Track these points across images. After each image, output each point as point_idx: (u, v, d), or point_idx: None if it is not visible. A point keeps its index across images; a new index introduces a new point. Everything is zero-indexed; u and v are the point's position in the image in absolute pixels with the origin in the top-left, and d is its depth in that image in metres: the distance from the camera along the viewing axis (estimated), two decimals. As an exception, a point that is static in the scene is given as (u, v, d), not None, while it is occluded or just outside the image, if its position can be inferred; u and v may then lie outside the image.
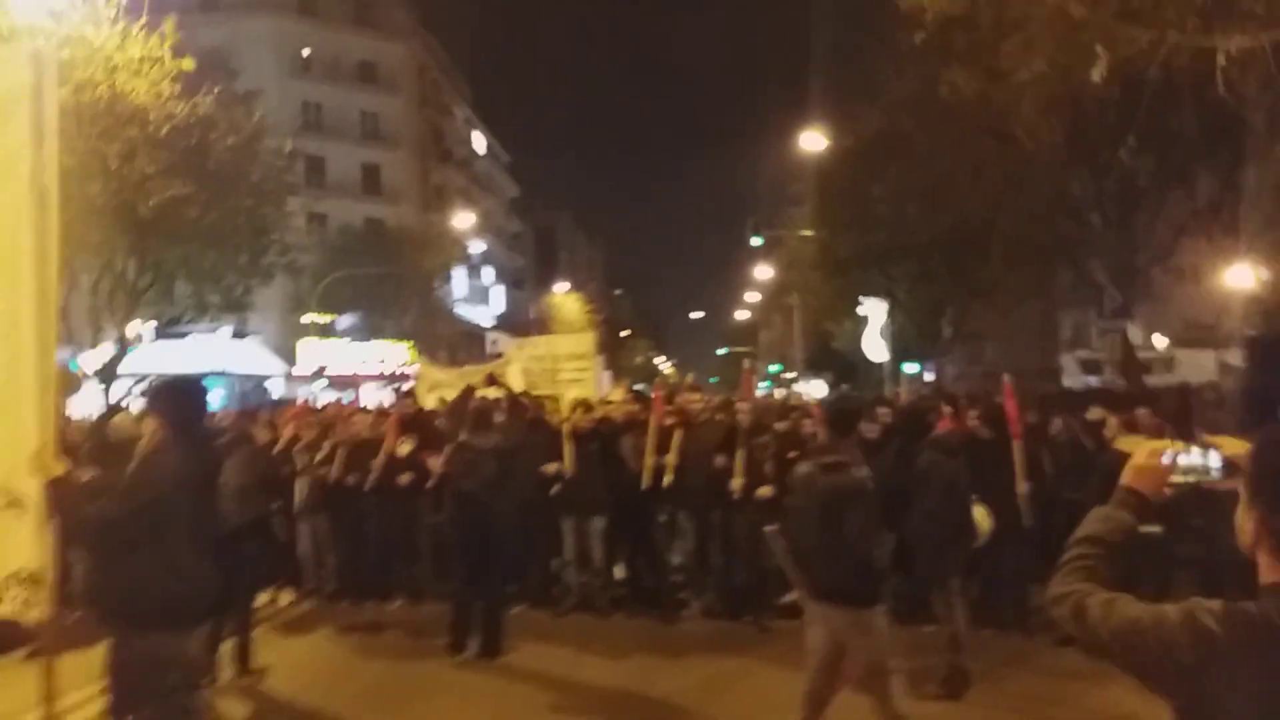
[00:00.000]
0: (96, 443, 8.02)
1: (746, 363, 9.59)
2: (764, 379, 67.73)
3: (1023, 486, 7.96)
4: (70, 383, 20.64)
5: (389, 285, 37.53)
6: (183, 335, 24.81)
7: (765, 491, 8.41)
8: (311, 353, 35.24)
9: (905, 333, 30.35)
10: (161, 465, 3.89)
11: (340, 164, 46.77)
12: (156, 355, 24.86)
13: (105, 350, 21.64)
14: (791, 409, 10.07)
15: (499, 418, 8.87)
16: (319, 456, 9.67)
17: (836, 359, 43.31)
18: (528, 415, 9.59)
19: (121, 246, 20.07)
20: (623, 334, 75.09)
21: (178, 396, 4.29)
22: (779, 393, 43.75)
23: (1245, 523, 1.76)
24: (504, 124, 69.81)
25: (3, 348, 3.50)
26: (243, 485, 7.40)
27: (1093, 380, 30.33)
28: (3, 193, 3.48)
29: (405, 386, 11.73)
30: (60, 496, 3.61)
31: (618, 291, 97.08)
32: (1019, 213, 16.07)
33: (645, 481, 8.75)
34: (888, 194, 19.54)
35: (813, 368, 50.39)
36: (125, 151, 17.99)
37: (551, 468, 8.93)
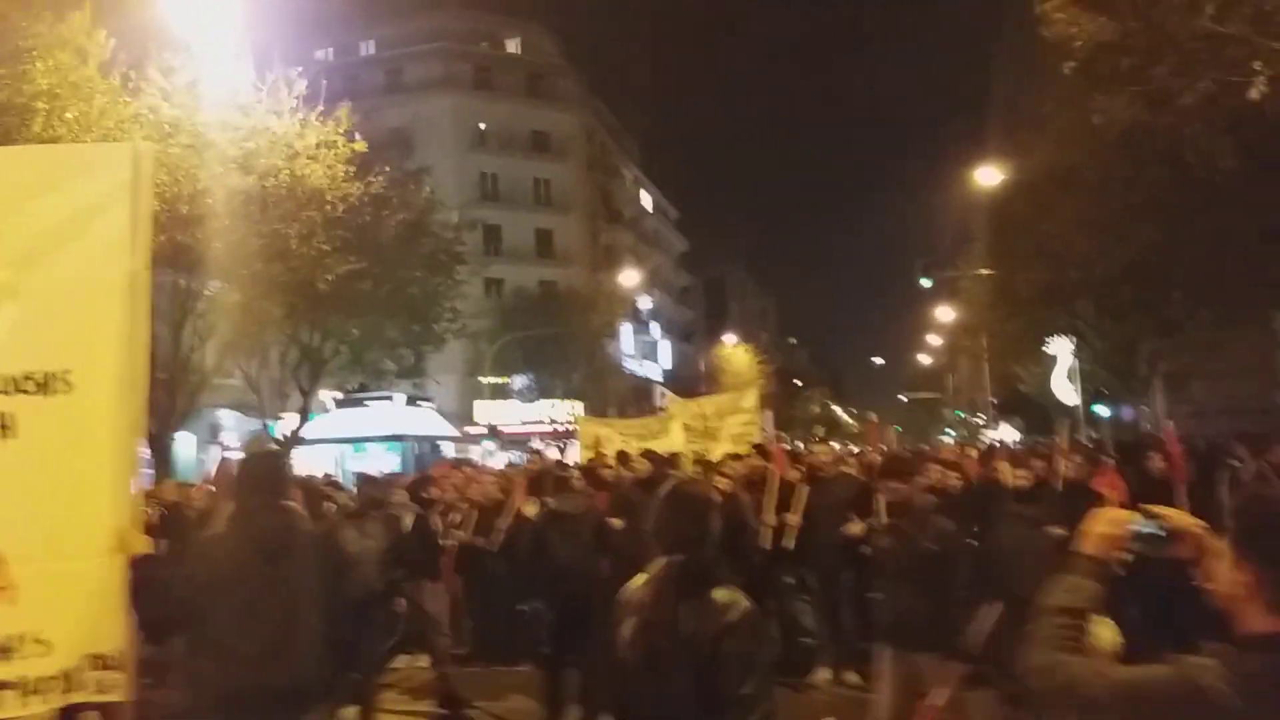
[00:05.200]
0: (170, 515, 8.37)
1: (873, 415, 9.14)
2: (949, 426, 64.96)
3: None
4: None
5: (558, 345, 38.58)
6: (362, 403, 26.29)
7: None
8: (485, 414, 36.56)
9: (1096, 374, 28.36)
10: (206, 545, 3.88)
11: (515, 231, 48.88)
12: (336, 422, 26.39)
13: (291, 419, 23.18)
14: (927, 460, 9.39)
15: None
16: (455, 518, 9.83)
17: (1026, 403, 41.01)
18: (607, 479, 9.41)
19: (304, 320, 21.50)
20: (797, 384, 73.96)
21: (242, 470, 4.29)
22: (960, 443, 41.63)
23: (1234, 576, 1.85)
24: (672, 180, 70.79)
25: (86, 427, 3.63)
26: (369, 554, 7.57)
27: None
28: (100, 280, 3.71)
29: (535, 445, 11.82)
30: (136, 575, 3.61)
31: (792, 341, 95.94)
32: (1202, 243, 14.70)
33: (765, 542, 8.38)
34: (1059, 228, 18.38)
35: (1003, 412, 47.96)
36: (304, 232, 19.26)
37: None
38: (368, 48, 50.09)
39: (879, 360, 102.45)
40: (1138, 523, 2.07)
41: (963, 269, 32.84)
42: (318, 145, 19.36)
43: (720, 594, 2.94)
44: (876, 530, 6.49)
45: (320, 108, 19.59)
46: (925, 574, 5.39)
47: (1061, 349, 28.06)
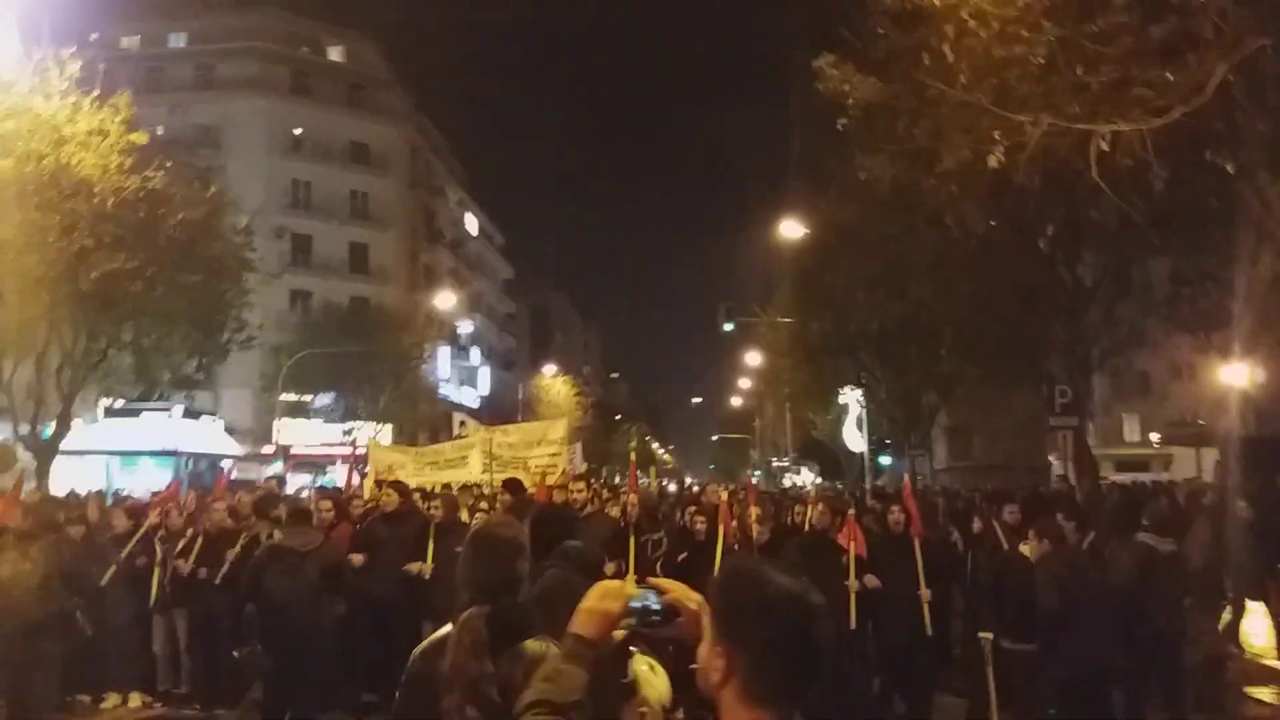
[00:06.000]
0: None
1: (633, 455, 9.06)
2: (756, 468, 66.86)
3: (925, 592, 7.62)
4: (4, 460, 20.03)
5: (367, 364, 37.07)
6: (135, 413, 24.26)
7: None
8: (284, 433, 34.63)
9: (881, 424, 29.77)
10: None
11: (328, 243, 46.97)
12: (105, 433, 24.29)
13: (50, 426, 21.06)
14: (690, 503, 9.38)
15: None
16: (179, 546, 9.03)
17: (821, 448, 42.67)
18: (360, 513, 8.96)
19: (64, 320, 19.67)
20: (616, 418, 74.48)
21: None
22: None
23: (712, 660, 1.64)
24: (499, 207, 70.25)
25: None
26: (41, 578, 6.81)
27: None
28: None
29: (276, 470, 11.12)
30: None
31: (614, 375, 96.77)
32: (968, 303, 15.67)
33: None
34: (843, 281, 19.25)
35: (803, 456, 49.79)
36: (66, 224, 17.70)
37: (414, 567, 8.26)
38: (178, 40, 47.23)
39: (698, 399, 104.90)
40: (636, 597, 1.86)
41: (763, 316, 33.97)
42: (90, 133, 17.93)
43: (533, 645, 2.61)
44: None
45: (97, 91, 18.16)
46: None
47: (852, 398, 29.35)
